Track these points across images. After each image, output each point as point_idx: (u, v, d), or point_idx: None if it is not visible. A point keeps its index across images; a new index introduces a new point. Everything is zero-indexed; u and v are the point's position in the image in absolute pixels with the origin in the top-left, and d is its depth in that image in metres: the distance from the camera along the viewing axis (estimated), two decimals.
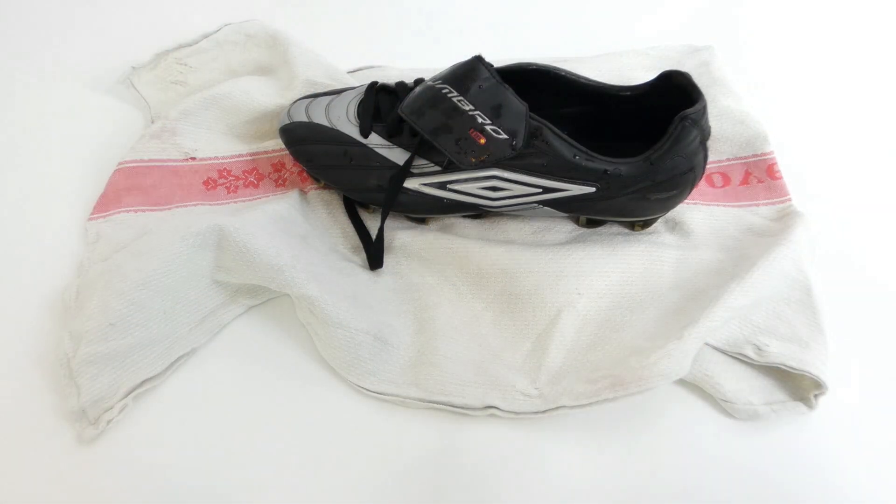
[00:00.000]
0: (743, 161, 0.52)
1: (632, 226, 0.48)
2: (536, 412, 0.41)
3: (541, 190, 0.44)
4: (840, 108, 0.59)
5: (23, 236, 0.49)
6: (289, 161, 0.52)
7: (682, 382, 0.42)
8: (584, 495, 0.39)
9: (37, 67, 0.59)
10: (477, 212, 0.47)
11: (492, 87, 0.42)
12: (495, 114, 0.42)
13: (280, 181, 0.52)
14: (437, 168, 0.45)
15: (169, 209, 0.50)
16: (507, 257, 0.46)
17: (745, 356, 0.42)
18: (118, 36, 0.62)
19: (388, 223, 0.48)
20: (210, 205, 0.50)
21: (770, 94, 0.59)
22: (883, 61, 0.63)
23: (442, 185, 0.45)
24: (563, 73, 0.45)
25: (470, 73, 0.43)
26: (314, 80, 0.53)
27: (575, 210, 0.46)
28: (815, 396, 0.41)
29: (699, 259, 0.46)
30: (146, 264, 0.42)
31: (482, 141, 0.42)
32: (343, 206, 0.49)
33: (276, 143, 0.52)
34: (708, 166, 0.49)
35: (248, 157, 0.52)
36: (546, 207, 0.45)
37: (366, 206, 0.49)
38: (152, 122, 0.55)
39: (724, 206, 0.51)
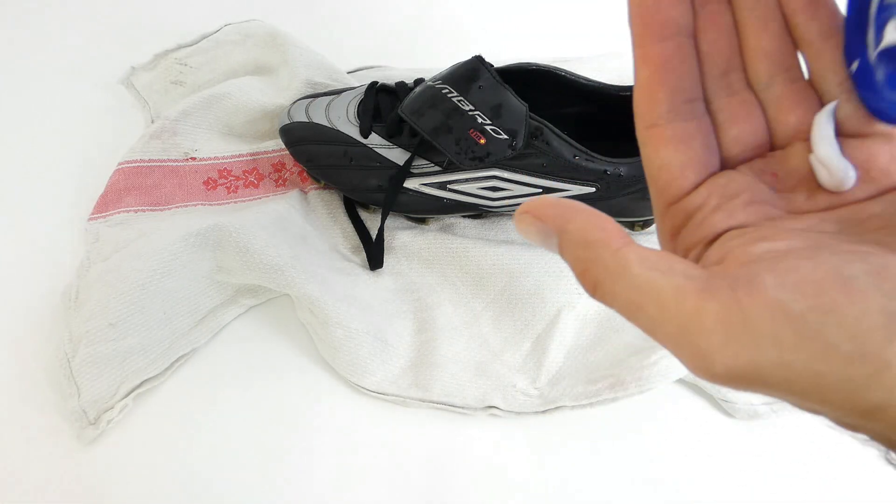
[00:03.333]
0: None
1: (632, 226, 0.48)
2: (536, 412, 0.41)
3: (541, 190, 0.44)
4: None
5: (23, 236, 0.49)
6: (289, 161, 0.52)
7: (682, 382, 0.42)
8: (584, 495, 0.39)
9: (36, 67, 0.59)
10: (477, 212, 0.47)
11: (492, 88, 0.42)
12: (495, 114, 0.42)
13: (280, 181, 0.52)
14: (437, 168, 0.45)
15: (169, 209, 0.50)
16: (508, 257, 0.46)
17: None
18: (118, 36, 0.62)
19: (388, 223, 0.48)
20: (210, 205, 0.50)
21: None
22: None
23: (442, 185, 0.45)
24: (564, 74, 0.45)
25: (470, 73, 0.43)
26: (314, 80, 0.53)
27: None
28: None
29: None
30: (146, 264, 0.42)
31: (482, 141, 0.42)
32: (343, 206, 0.49)
33: (276, 143, 0.52)
34: None
35: (249, 157, 0.52)
36: None
37: (366, 206, 0.49)
38: (152, 122, 0.55)
39: None
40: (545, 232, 0.19)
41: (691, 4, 0.20)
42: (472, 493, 0.39)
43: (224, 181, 0.51)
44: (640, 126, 0.21)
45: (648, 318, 0.17)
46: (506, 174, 0.43)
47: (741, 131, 0.21)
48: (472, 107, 0.42)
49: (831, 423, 0.17)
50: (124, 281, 0.42)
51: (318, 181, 0.50)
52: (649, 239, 0.47)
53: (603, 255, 0.18)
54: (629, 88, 0.45)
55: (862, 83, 0.19)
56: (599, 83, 0.46)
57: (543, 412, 0.40)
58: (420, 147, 0.44)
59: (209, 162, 0.52)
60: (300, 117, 0.48)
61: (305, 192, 0.51)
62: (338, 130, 0.47)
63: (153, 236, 0.45)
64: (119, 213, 0.49)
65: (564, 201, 0.19)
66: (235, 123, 0.53)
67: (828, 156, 0.19)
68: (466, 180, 0.44)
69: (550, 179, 0.43)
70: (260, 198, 0.51)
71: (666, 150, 0.20)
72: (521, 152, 0.42)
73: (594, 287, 0.18)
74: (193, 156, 0.52)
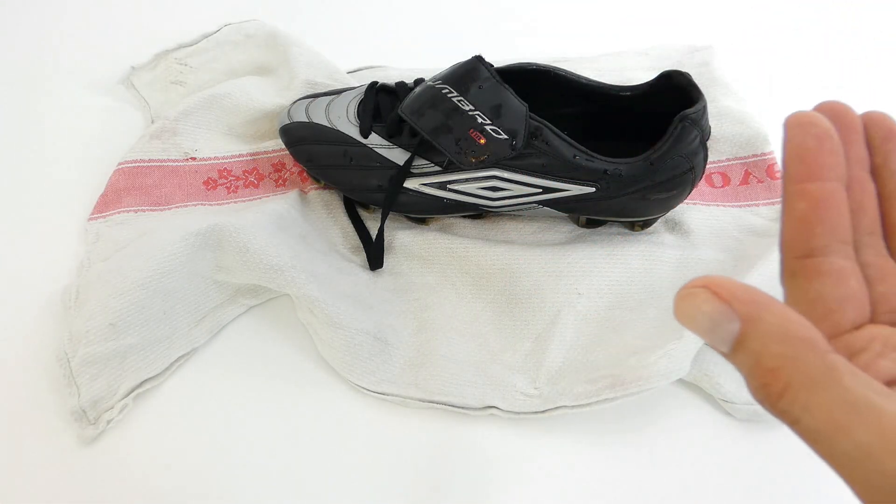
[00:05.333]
0: (743, 161, 0.52)
1: (632, 226, 0.48)
2: (536, 412, 0.41)
3: (541, 190, 0.44)
4: None
5: (23, 236, 0.49)
6: (289, 161, 0.52)
7: (682, 382, 0.42)
8: (584, 495, 0.39)
9: (37, 67, 0.59)
10: (477, 212, 0.47)
11: (492, 87, 0.42)
12: (495, 114, 0.42)
13: (280, 181, 0.52)
14: (437, 168, 0.45)
15: (169, 209, 0.50)
16: (507, 257, 0.46)
17: None
18: (118, 36, 0.62)
19: (388, 223, 0.48)
20: (210, 205, 0.50)
21: (770, 94, 0.59)
22: (883, 61, 0.63)
23: (442, 185, 0.45)
24: (564, 73, 0.45)
25: (470, 73, 0.43)
26: (314, 80, 0.53)
27: (575, 210, 0.46)
28: None
29: (699, 259, 0.46)
30: (146, 264, 0.42)
31: (482, 141, 0.42)
32: (343, 206, 0.49)
33: (276, 143, 0.52)
34: (708, 166, 0.49)
35: (249, 157, 0.52)
36: (546, 207, 0.45)
37: (366, 206, 0.49)
38: (152, 122, 0.55)
39: (724, 206, 0.51)
40: (724, 315, 0.16)
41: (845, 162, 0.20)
42: (472, 492, 0.39)
43: (224, 181, 0.51)
44: (789, 256, 0.20)
45: (853, 443, 0.15)
46: (506, 174, 0.43)
47: (889, 289, 0.20)
48: (472, 107, 0.42)
49: None
50: (124, 280, 0.42)
51: (318, 181, 0.50)
52: (650, 239, 0.47)
53: (807, 357, 0.16)
54: (629, 88, 0.45)
55: None
56: (599, 83, 0.46)
57: (543, 412, 0.40)
58: (420, 147, 0.44)
59: (209, 162, 0.52)
60: (300, 117, 0.48)
61: (305, 192, 0.51)
62: (338, 130, 0.47)
63: (153, 236, 0.45)
64: (119, 213, 0.49)
65: (754, 287, 0.17)
66: (235, 123, 0.53)
67: None
68: (466, 180, 0.44)
69: (550, 179, 0.43)
70: (260, 198, 0.51)
71: (821, 282, 0.19)
72: (521, 152, 0.42)
73: (783, 391, 0.16)
74: (193, 156, 0.52)
